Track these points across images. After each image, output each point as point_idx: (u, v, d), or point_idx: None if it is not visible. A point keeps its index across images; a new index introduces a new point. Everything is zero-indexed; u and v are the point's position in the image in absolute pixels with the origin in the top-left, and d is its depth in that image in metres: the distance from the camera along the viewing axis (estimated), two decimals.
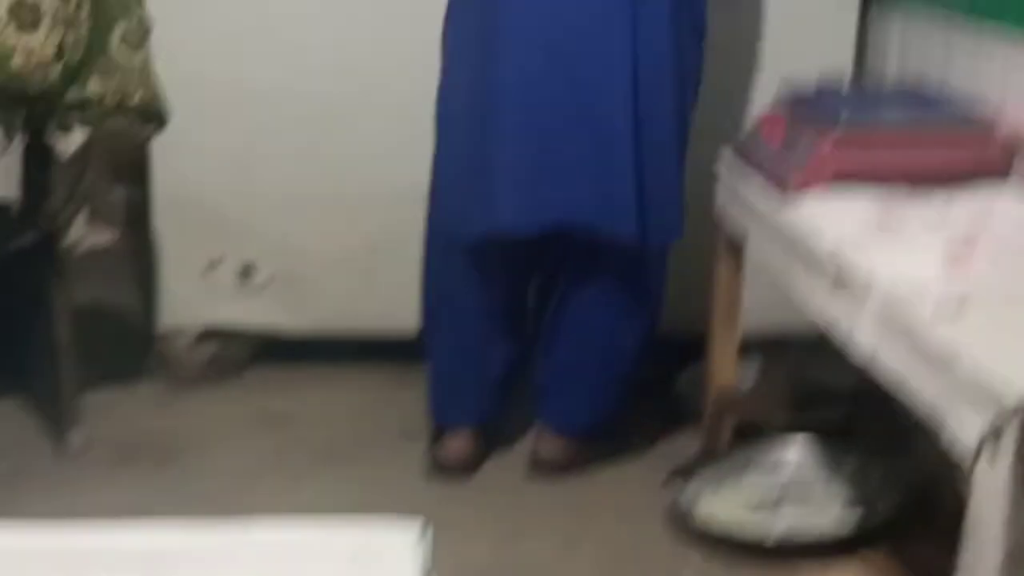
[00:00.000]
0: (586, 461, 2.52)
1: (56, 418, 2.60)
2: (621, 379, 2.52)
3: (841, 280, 1.78)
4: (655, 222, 2.30)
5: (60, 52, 2.31)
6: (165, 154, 2.79)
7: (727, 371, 2.48)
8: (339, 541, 1.00)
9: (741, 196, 2.25)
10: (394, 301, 2.77)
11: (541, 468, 2.51)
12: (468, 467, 2.50)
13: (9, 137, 2.35)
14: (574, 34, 2.22)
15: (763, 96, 2.35)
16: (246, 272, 2.91)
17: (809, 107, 2.17)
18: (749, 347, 2.57)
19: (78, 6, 2.34)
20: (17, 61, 2.26)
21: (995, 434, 1.37)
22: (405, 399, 2.80)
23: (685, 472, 2.37)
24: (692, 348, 2.74)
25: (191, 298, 2.91)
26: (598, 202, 2.25)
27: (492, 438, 2.59)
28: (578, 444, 2.52)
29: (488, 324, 2.48)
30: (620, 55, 2.21)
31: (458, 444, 2.51)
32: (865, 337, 1.71)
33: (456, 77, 2.35)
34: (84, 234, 2.64)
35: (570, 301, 2.45)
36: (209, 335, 2.94)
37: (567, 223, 2.28)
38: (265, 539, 1.04)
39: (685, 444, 2.62)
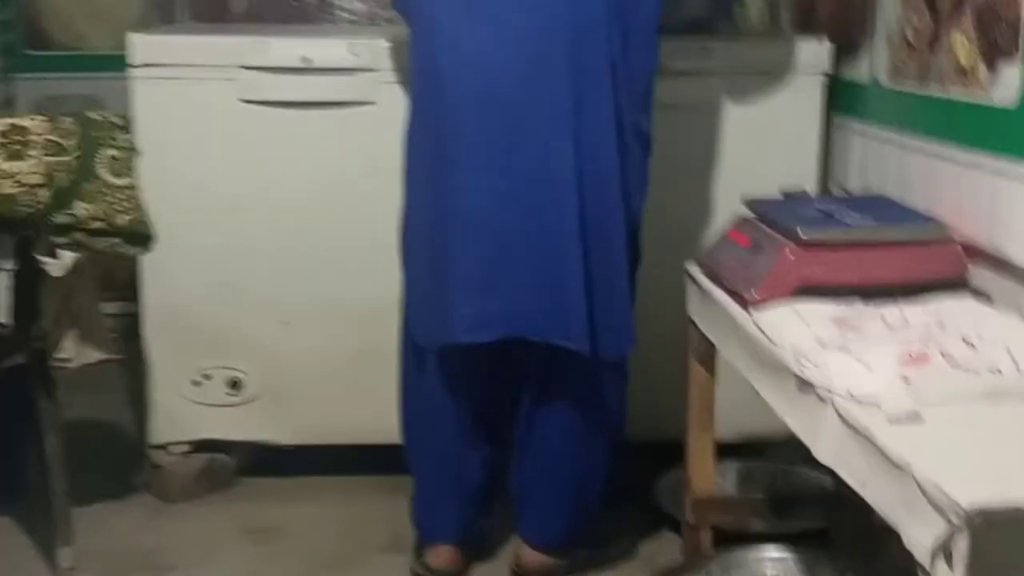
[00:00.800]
0: (566, 572, 2.54)
1: (47, 534, 2.62)
2: (592, 490, 2.55)
3: (803, 387, 1.83)
4: (606, 334, 2.34)
5: (48, 178, 2.38)
6: (154, 271, 2.87)
7: (705, 477, 2.51)
8: None
9: (709, 304, 2.31)
10: (381, 410, 2.80)
11: None
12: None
13: None
14: (521, 155, 2.28)
15: (729, 208, 2.42)
16: (235, 385, 2.96)
17: (772, 218, 2.23)
18: (725, 452, 2.60)
19: (66, 134, 2.42)
20: (6, 187, 2.34)
21: (947, 543, 1.40)
22: (392, 509, 2.83)
23: None
24: (670, 454, 2.79)
25: (181, 412, 2.96)
26: (548, 315, 2.30)
27: (477, 545, 2.62)
28: (556, 555, 2.54)
29: (463, 433, 2.52)
30: (567, 171, 2.28)
31: (440, 558, 2.53)
32: (827, 443, 1.75)
33: (416, 197, 2.42)
34: (75, 352, 2.68)
35: (533, 415, 2.49)
36: (199, 448, 2.98)
37: (518, 334, 2.32)
38: None
39: (665, 551, 2.64)
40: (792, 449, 2.96)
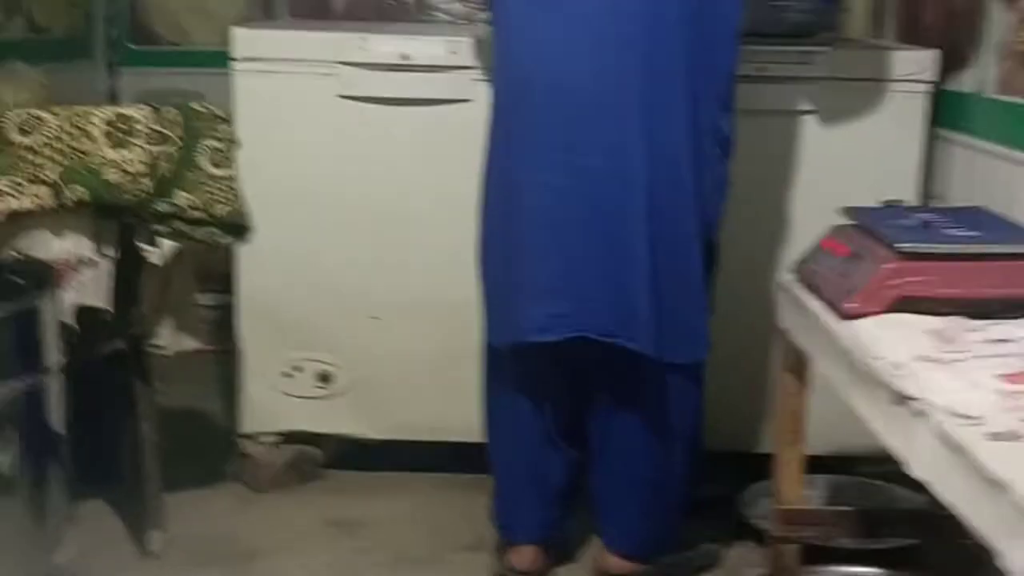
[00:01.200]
0: (661, 571, 2.53)
1: (138, 518, 2.67)
2: (671, 496, 2.53)
3: (899, 400, 1.79)
4: (677, 339, 2.33)
5: (151, 167, 2.43)
6: (249, 263, 2.91)
7: (793, 489, 2.47)
8: None
9: (802, 315, 2.27)
10: (467, 407, 2.80)
11: None
12: None
13: (101, 248, 2.47)
14: (587, 152, 2.27)
15: (824, 219, 2.38)
16: (325, 378, 2.99)
17: (871, 229, 2.19)
18: (814, 465, 2.56)
19: (170, 124, 2.47)
20: (112, 174, 2.39)
21: None
22: (476, 508, 2.84)
23: None
24: (755, 466, 2.76)
25: (272, 403, 3.00)
26: (616, 317, 2.29)
27: (559, 546, 2.61)
28: (638, 561, 2.52)
29: (542, 434, 2.51)
30: (638, 171, 2.26)
31: (523, 559, 2.53)
32: (922, 459, 1.71)
33: (491, 194, 2.43)
34: (171, 340, 2.73)
35: (608, 419, 2.48)
36: (288, 439, 3.02)
37: (586, 335, 2.32)
38: None
39: (750, 563, 2.61)
40: (882, 466, 2.94)
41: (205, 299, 3.13)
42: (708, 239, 2.41)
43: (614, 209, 2.29)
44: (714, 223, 2.43)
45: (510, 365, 2.49)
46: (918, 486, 2.76)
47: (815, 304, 2.22)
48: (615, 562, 2.52)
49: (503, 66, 2.38)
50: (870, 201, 2.41)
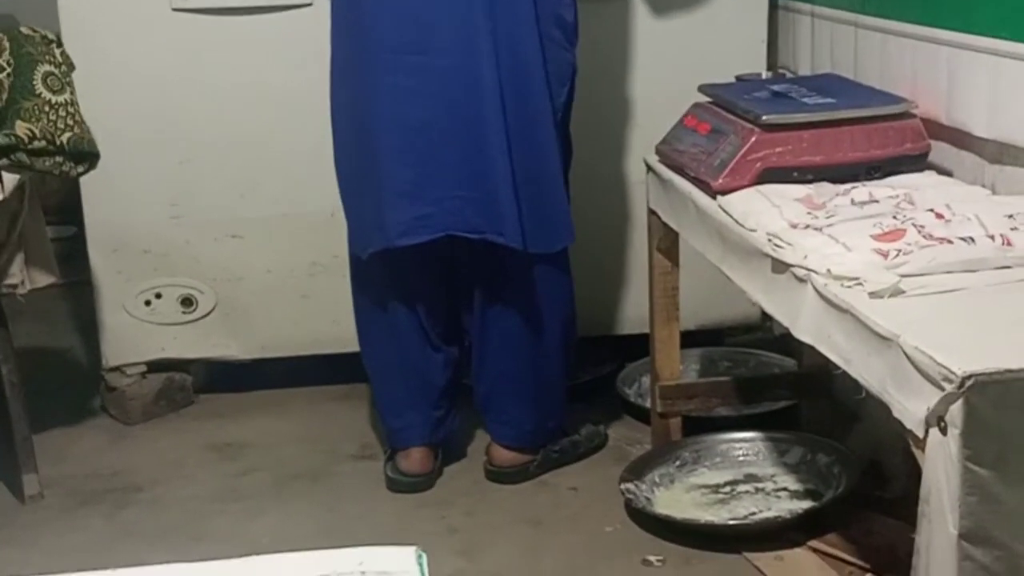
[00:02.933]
0: (539, 467, 2.56)
1: (10, 463, 2.58)
2: (552, 385, 2.55)
3: (779, 268, 1.84)
4: (541, 228, 2.34)
5: None
6: (95, 190, 2.79)
7: (671, 366, 2.53)
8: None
9: (671, 195, 2.30)
10: (338, 318, 2.78)
11: (493, 478, 2.55)
12: (425, 483, 2.53)
13: None
14: (439, 51, 2.26)
15: (681, 100, 2.41)
16: (187, 302, 2.92)
17: (730, 105, 2.23)
18: (684, 340, 2.62)
19: None
20: None
21: (940, 411, 1.43)
22: (357, 417, 2.83)
23: (638, 470, 2.42)
24: (634, 347, 2.82)
25: (135, 333, 2.91)
26: (480, 212, 2.30)
27: (447, 446, 2.62)
28: (527, 451, 2.55)
29: (420, 335, 2.51)
30: (487, 66, 2.26)
31: (413, 462, 2.53)
32: (807, 322, 1.76)
33: (337, 103, 2.40)
34: (23, 278, 2.61)
35: (484, 314, 2.48)
36: (155, 368, 2.94)
37: (452, 233, 2.32)
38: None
39: (636, 441, 2.68)
40: (749, 334, 3.04)
41: (51, 231, 2.99)
42: (560, 122, 2.41)
43: (467, 106, 2.28)
44: (563, 111, 2.42)
45: (378, 271, 2.46)
46: (786, 350, 2.88)
47: (683, 183, 2.25)
48: (503, 454, 2.55)
49: None
50: (722, 78, 2.45)
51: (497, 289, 2.45)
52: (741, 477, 2.43)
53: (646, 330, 2.58)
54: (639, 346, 2.75)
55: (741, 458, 2.47)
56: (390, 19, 2.28)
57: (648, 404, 2.63)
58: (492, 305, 2.47)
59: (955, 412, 1.40)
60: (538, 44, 2.31)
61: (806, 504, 2.31)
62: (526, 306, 2.46)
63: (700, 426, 2.57)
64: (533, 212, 2.33)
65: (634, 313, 2.87)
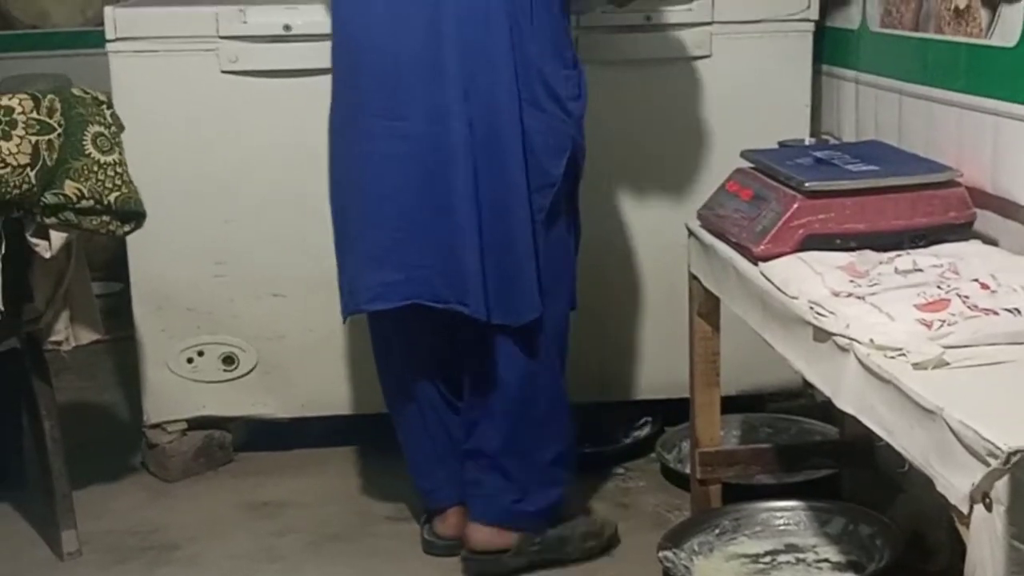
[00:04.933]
0: (514, 556, 2.42)
1: (50, 519, 2.59)
2: (528, 460, 2.42)
3: (820, 337, 1.82)
4: (506, 300, 2.29)
5: (35, 156, 2.34)
6: (141, 248, 2.82)
7: (711, 431, 2.51)
8: None
9: (712, 260, 2.30)
10: (376, 379, 2.78)
11: (467, 570, 2.45)
12: (460, 547, 2.49)
13: None
14: (415, 117, 2.26)
15: (724, 165, 2.41)
16: (229, 360, 2.93)
17: (773, 170, 2.22)
18: (726, 406, 2.59)
19: (50, 112, 2.37)
20: None
21: (985, 486, 1.40)
22: (393, 478, 2.82)
23: (677, 538, 2.38)
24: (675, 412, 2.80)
25: (176, 390, 2.93)
26: (447, 282, 2.28)
27: None
28: (503, 530, 2.43)
29: (435, 395, 2.48)
30: (458, 134, 2.24)
31: (448, 525, 2.50)
32: (849, 392, 1.74)
33: (334, 168, 2.42)
34: (68, 334, 2.64)
35: (464, 380, 2.44)
36: (196, 426, 2.96)
37: (418, 302, 2.30)
38: None
39: (675, 507, 2.65)
40: (791, 401, 3.01)
41: (96, 288, 3.03)
42: (555, 197, 2.33)
43: (439, 174, 2.26)
44: (558, 183, 2.33)
45: (391, 335, 2.46)
46: (827, 418, 2.84)
47: (724, 248, 2.25)
48: (476, 534, 2.43)
49: (335, 35, 2.37)
50: (765, 143, 2.44)
51: (472, 359, 2.41)
52: (782, 547, 2.39)
53: (687, 395, 2.56)
54: (680, 411, 2.73)
55: (782, 527, 2.44)
56: (377, 83, 2.29)
57: (688, 470, 2.61)
58: (469, 374, 2.43)
59: (1000, 488, 1.37)
60: (516, 113, 2.27)
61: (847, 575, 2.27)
62: (495, 378, 2.38)
63: (740, 494, 2.53)
64: (500, 285, 2.29)
65: (676, 378, 2.85)
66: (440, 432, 2.51)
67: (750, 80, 2.84)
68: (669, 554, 2.33)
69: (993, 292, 1.77)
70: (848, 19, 2.77)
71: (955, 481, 1.45)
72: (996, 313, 1.70)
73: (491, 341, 2.36)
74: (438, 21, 2.24)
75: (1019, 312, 1.70)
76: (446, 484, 2.52)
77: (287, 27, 2.79)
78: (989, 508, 1.39)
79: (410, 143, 2.27)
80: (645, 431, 2.92)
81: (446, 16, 2.24)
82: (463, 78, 2.24)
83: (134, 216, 2.49)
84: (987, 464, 1.38)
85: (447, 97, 2.25)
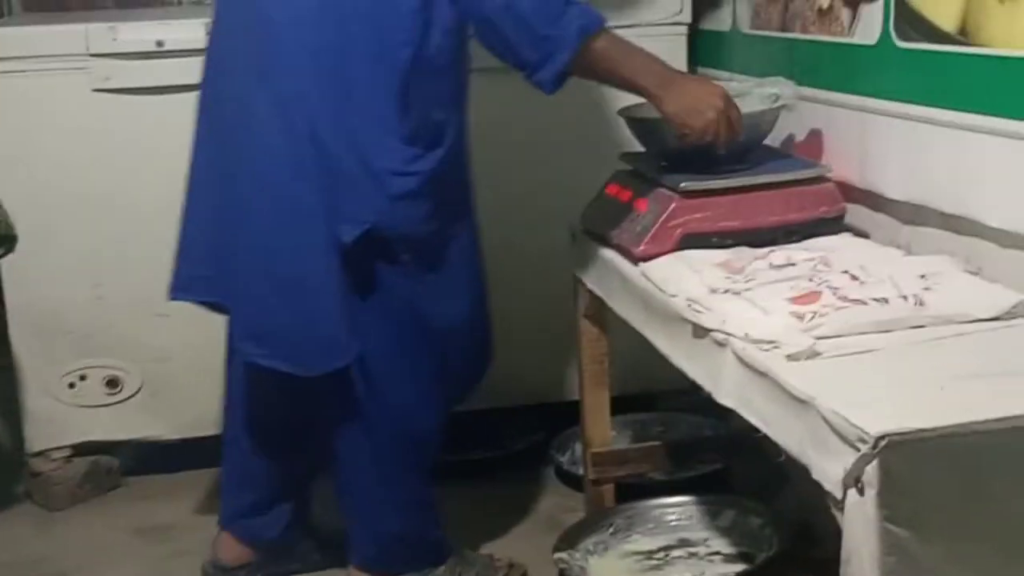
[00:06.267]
0: None
1: None
2: (378, 505, 2.31)
3: (699, 333, 1.85)
4: (301, 349, 2.19)
5: None
6: (16, 272, 2.76)
7: (602, 432, 2.53)
8: None
9: (595, 263, 2.32)
10: None
11: None
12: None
13: None
14: (224, 154, 2.20)
15: (607, 169, 2.43)
16: (113, 383, 2.88)
17: (649, 173, 2.25)
18: (620, 407, 2.62)
19: None
20: None
21: (857, 472, 1.43)
22: None
23: (571, 539, 2.40)
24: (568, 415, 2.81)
25: (59, 416, 2.86)
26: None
27: None
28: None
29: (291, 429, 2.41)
30: (249, 195, 2.17)
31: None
32: (728, 386, 1.77)
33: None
34: None
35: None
36: (81, 451, 2.89)
37: (223, 302, 2.27)
38: None
39: (567, 510, 2.66)
40: (680, 399, 3.04)
41: None
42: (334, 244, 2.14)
43: (240, 212, 2.19)
44: (404, 230, 2.16)
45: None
46: (718, 414, 2.89)
47: (607, 252, 2.27)
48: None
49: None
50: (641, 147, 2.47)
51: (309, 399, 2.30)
52: (674, 542, 2.43)
53: (577, 397, 2.57)
54: (573, 413, 2.74)
55: (674, 523, 2.47)
56: (209, 99, 2.27)
57: (581, 471, 2.62)
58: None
59: (871, 472, 1.40)
60: (286, 156, 2.12)
61: (739, 567, 2.31)
62: (329, 420, 2.30)
63: (633, 492, 2.56)
64: (293, 334, 2.19)
65: (568, 380, 2.87)
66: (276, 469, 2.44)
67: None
68: (564, 555, 2.34)
69: (862, 283, 1.81)
70: (720, 21, 2.83)
71: (829, 468, 1.48)
72: (865, 303, 1.74)
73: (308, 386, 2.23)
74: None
75: (886, 301, 1.75)
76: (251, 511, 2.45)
77: (160, 43, 2.75)
78: (862, 492, 1.42)
79: (217, 174, 2.21)
80: (539, 435, 2.93)
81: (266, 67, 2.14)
82: (258, 68, 2.15)
83: (5, 240, 2.44)
84: (857, 450, 1.41)
85: (239, 135, 2.17)
